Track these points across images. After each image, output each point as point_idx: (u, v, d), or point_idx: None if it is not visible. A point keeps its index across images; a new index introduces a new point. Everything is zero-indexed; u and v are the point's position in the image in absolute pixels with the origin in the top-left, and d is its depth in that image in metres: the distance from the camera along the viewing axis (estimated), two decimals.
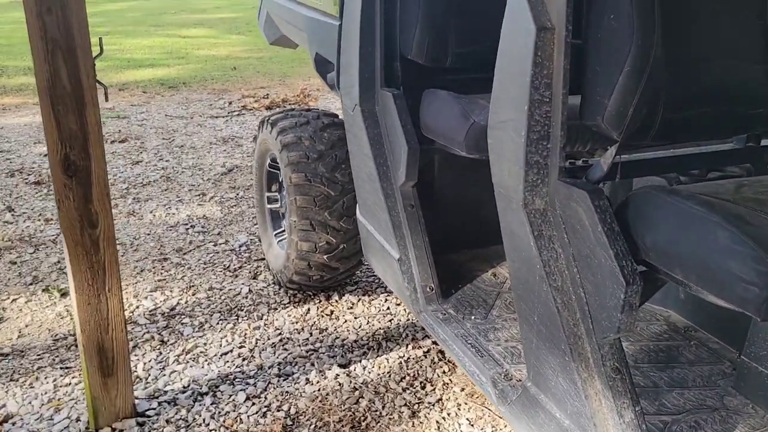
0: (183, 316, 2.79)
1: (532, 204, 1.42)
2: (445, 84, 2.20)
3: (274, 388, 2.32)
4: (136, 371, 2.38)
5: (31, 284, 3.03)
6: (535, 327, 1.47)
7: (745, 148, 1.68)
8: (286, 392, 2.29)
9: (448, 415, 2.18)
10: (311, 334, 2.68)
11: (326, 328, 2.71)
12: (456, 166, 2.16)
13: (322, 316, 2.80)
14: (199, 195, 4.10)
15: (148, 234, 3.57)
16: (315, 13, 2.52)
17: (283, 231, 2.99)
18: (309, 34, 2.63)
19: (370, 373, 2.41)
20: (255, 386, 2.33)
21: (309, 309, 2.85)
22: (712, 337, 1.88)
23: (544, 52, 1.34)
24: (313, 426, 2.11)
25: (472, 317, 2.03)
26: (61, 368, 2.41)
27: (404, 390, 2.30)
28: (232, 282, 3.08)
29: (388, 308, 2.86)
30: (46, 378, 2.35)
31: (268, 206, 3.13)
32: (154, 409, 2.20)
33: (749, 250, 1.09)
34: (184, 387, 2.32)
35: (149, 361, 2.46)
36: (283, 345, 2.60)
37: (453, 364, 2.43)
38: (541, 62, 1.35)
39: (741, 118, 1.48)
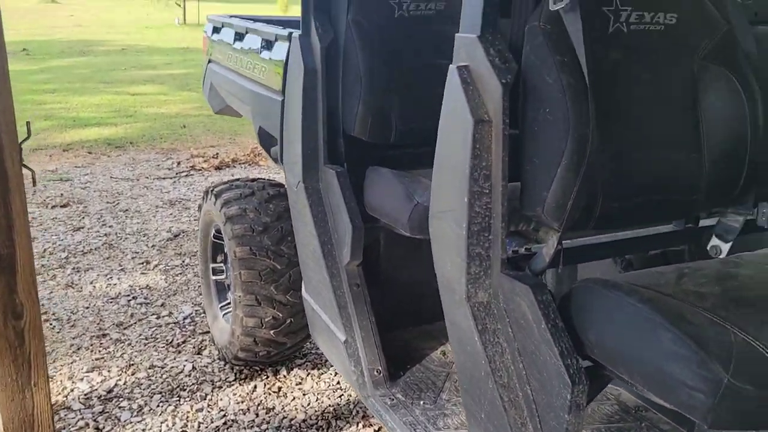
0: (121, 399, 2.64)
1: (475, 297, 1.38)
2: (390, 160, 2.18)
3: None
4: None
5: None
6: (483, 425, 1.42)
7: (684, 230, 1.70)
8: None
9: None
10: (257, 414, 2.56)
11: (273, 408, 2.60)
12: (402, 244, 2.13)
13: (270, 394, 2.69)
14: (142, 263, 3.96)
15: (87, 307, 3.41)
16: (258, 86, 2.50)
17: (229, 303, 2.90)
18: (252, 107, 2.60)
19: None
20: None
21: (256, 386, 2.74)
22: (664, 417, 1.86)
23: (482, 144, 1.33)
24: None
25: (421, 402, 1.97)
26: None
27: None
28: (174, 359, 2.95)
29: (338, 383, 2.77)
30: None
31: (214, 277, 3.03)
32: None
33: (692, 354, 1.07)
34: None
35: None
36: (227, 428, 2.47)
37: None
38: (480, 154, 1.33)
39: (678, 204, 1.49)
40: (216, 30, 3.04)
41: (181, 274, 3.84)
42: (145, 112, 8.38)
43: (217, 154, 6.46)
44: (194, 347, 3.04)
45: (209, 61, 3.14)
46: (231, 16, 3.04)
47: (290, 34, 2.21)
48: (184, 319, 3.31)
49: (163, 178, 5.67)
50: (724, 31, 1.49)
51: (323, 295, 2.16)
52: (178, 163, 6.13)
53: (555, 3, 1.29)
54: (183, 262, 3.99)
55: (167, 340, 3.10)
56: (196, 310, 3.38)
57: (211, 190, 2.83)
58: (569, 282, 2.07)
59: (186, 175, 5.78)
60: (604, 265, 2.01)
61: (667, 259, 1.99)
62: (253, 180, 2.89)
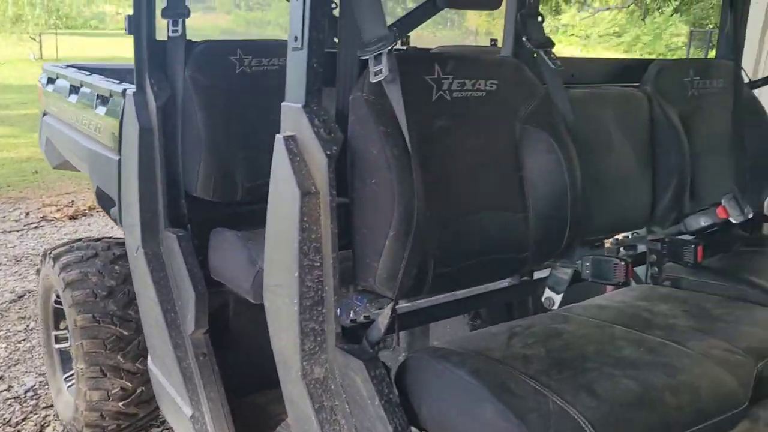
0: None
1: (311, 374, 1.34)
2: (237, 219, 2.11)
3: None
4: None
5: None
6: None
7: (521, 283, 1.75)
8: None
9: None
10: None
11: None
12: (252, 307, 2.05)
13: None
14: None
15: None
16: (94, 144, 2.35)
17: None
18: (89, 165, 2.45)
19: None
20: None
21: None
22: None
23: (310, 217, 1.30)
24: None
25: None
26: None
27: None
28: None
29: None
30: None
31: (57, 346, 2.80)
32: None
33: (513, 427, 1.08)
34: None
35: None
36: None
37: None
38: (309, 227, 1.30)
39: (509, 262, 1.53)
40: (51, 81, 2.85)
41: (24, 340, 3.52)
42: None
43: (72, 201, 6.07)
44: (36, 425, 2.78)
45: (44, 114, 2.93)
46: (68, 66, 2.86)
47: (124, 90, 2.10)
48: (26, 392, 3.02)
49: (9, 231, 5.23)
50: (542, 95, 1.57)
51: (168, 366, 2.03)
52: (27, 214, 5.69)
53: (375, 75, 1.29)
54: (27, 326, 3.66)
55: (4, 419, 2.81)
56: (40, 382, 3.10)
57: (49, 253, 2.62)
58: (422, 342, 2.08)
59: (35, 227, 5.36)
60: (455, 320, 2.04)
61: (511, 310, 2.05)
62: (98, 239, 2.70)
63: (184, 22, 2.03)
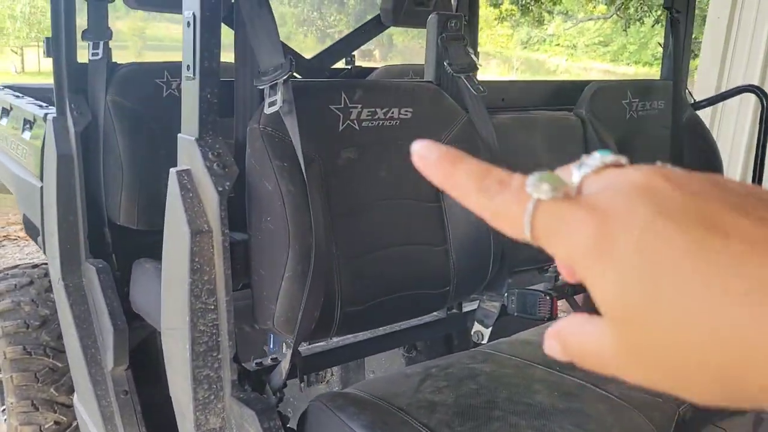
0: None
1: (206, 424, 1.26)
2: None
3: None
4: None
5: None
6: None
7: (448, 317, 1.68)
8: None
9: None
10: None
11: None
12: None
13: None
14: None
15: None
16: (21, 170, 2.27)
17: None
18: (16, 191, 2.36)
19: None
20: None
21: None
22: None
23: (202, 257, 1.22)
24: None
25: None
26: None
27: None
28: None
29: None
30: None
31: None
32: None
33: None
34: None
35: None
36: None
37: None
38: (200, 267, 1.22)
39: (429, 298, 1.46)
40: None
41: None
42: None
43: None
44: None
45: None
46: (5, 86, 2.77)
47: (45, 115, 2.01)
48: None
49: None
50: (463, 121, 1.50)
51: (89, 403, 1.94)
52: None
53: (270, 106, 1.22)
54: None
55: None
56: None
57: None
58: (357, 376, 2.00)
59: None
60: (391, 351, 1.96)
61: (450, 341, 1.97)
62: (35, 266, 2.61)
63: (106, 44, 1.95)
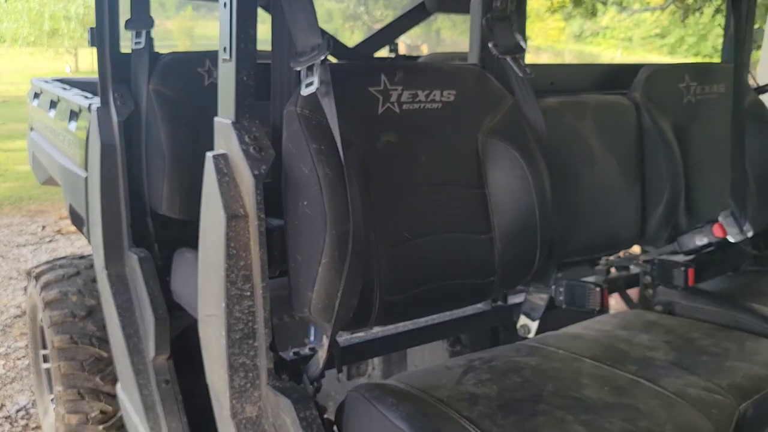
0: None
1: (242, 412, 1.23)
2: None
3: None
4: None
5: None
6: None
7: (492, 309, 1.62)
8: None
9: None
10: None
11: None
12: None
13: None
14: None
15: None
16: (67, 160, 2.29)
17: None
18: (62, 182, 2.39)
19: None
20: None
21: None
22: None
23: (237, 242, 1.19)
24: None
25: None
26: None
27: None
28: None
29: None
30: None
31: (44, 366, 2.75)
32: None
33: None
34: None
35: None
36: None
37: None
38: (236, 253, 1.20)
39: (471, 288, 1.40)
40: (36, 95, 2.81)
41: (24, 356, 3.49)
42: (16, 170, 7.87)
43: None
44: None
45: (31, 129, 2.90)
46: (56, 80, 2.82)
47: (89, 105, 2.03)
48: (18, 411, 2.98)
49: (23, 245, 5.26)
50: (509, 105, 1.44)
51: (131, 392, 1.95)
52: (44, 227, 5.72)
53: (306, 87, 1.18)
54: (28, 343, 3.64)
55: None
56: (34, 401, 3.05)
57: (32, 271, 2.57)
58: (399, 368, 1.95)
59: (50, 241, 5.39)
60: (435, 344, 1.90)
61: (496, 335, 1.90)
62: (82, 257, 2.65)
63: (148, 33, 1.95)
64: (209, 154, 1.25)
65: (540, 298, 1.54)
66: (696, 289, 1.64)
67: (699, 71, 1.86)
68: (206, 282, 1.28)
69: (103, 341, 2.35)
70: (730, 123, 1.86)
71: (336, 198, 1.16)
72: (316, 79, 1.17)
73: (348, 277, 1.17)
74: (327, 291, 1.18)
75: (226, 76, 1.23)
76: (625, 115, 1.69)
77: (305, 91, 1.18)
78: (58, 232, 5.61)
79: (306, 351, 1.39)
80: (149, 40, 1.95)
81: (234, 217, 1.19)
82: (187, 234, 2.03)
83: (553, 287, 1.48)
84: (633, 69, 1.82)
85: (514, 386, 1.20)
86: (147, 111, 1.92)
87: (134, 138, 1.95)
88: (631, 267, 1.86)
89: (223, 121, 1.24)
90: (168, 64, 1.97)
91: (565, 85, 1.72)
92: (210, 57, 2.05)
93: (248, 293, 1.21)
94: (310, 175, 1.18)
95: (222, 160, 1.23)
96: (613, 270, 1.85)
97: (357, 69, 1.29)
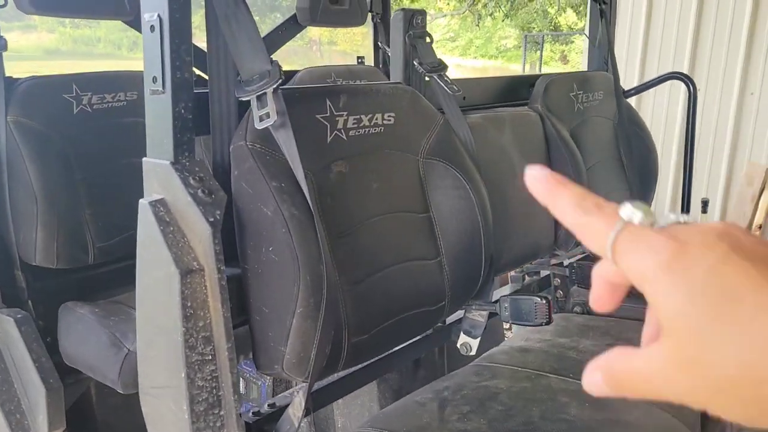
0: None
1: None
2: (90, 287, 1.77)
3: None
4: None
5: None
6: None
7: (434, 332, 1.59)
8: None
9: None
10: None
11: None
12: (119, 394, 1.71)
13: None
14: None
15: None
16: None
17: None
18: None
19: None
20: None
21: None
22: None
23: (194, 300, 1.04)
24: None
25: None
26: None
27: None
28: None
29: None
30: None
31: None
32: None
33: None
34: None
35: None
36: None
37: None
38: (194, 313, 1.04)
39: (427, 315, 1.35)
40: None
41: None
42: None
43: None
44: None
45: None
46: None
47: None
48: None
49: None
50: (441, 123, 1.41)
51: None
52: None
53: (260, 120, 1.06)
54: None
55: None
56: None
57: None
58: (326, 419, 1.85)
59: None
60: None
61: (417, 360, 1.87)
62: None
63: (0, 56, 1.66)
64: (144, 201, 1.07)
65: (480, 315, 1.53)
66: None
67: (582, 80, 1.97)
68: (152, 350, 1.10)
69: None
70: (611, 126, 2.00)
71: (306, 239, 1.06)
72: (271, 110, 1.05)
73: (324, 325, 1.08)
74: (303, 343, 1.07)
75: (158, 110, 1.07)
76: (533, 125, 1.74)
77: (260, 125, 1.06)
78: None
79: (265, 408, 1.26)
80: (1, 64, 1.67)
81: (189, 272, 1.03)
82: (67, 285, 1.78)
83: (497, 303, 1.48)
84: (529, 80, 1.88)
85: (501, 415, 1.18)
86: (8, 147, 1.64)
87: None
88: (542, 271, 1.93)
89: (157, 162, 1.08)
90: (28, 91, 1.70)
91: (476, 100, 1.73)
92: (76, 80, 1.80)
93: (210, 356, 1.06)
94: (275, 217, 1.06)
95: (161, 207, 1.07)
96: (525, 277, 1.91)
97: (302, 95, 1.19)
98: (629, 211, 0.36)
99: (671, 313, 0.33)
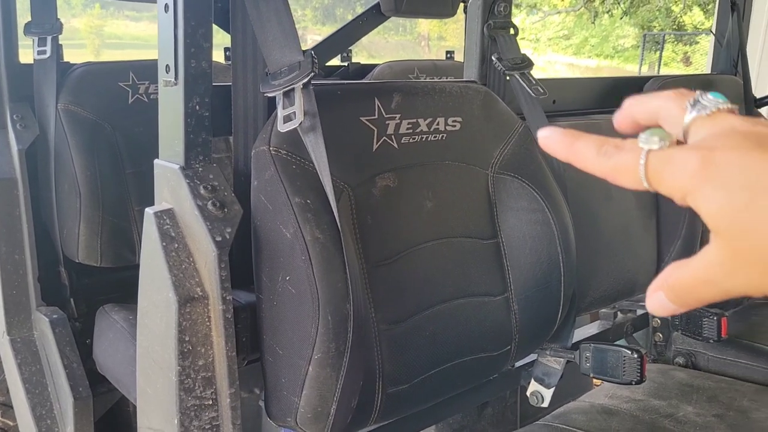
0: None
1: None
2: (135, 287, 1.66)
3: None
4: None
5: None
6: None
7: (500, 376, 1.35)
8: None
9: None
10: None
11: None
12: None
13: None
14: None
15: None
16: None
17: None
18: None
19: None
20: None
21: None
22: None
23: (194, 334, 0.87)
24: None
25: None
26: None
27: None
28: None
29: None
30: None
31: None
32: None
33: None
34: None
35: None
36: None
37: None
38: (192, 350, 0.87)
39: (488, 362, 1.13)
40: None
41: None
42: None
43: None
44: None
45: None
46: None
47: None
48: None
49: None
50: (520, 132, 1.17)
51: None
52: None
53: (285, 122, 0.87)
54: None
55: None
56: None
57: None
58: None
59: None
60: None
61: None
62: None
63: (55, 39, 1.57)
64: (149, 211, 0.92)
65: (557, 362, 1.28)
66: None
67: (704, 83, 1.66)
68: (149, 386, 0.95)
69: (9, 407, 1.95)
70: None
71: (330, 271, 0.86)
72: (298, 109, 0.86)
73: (348, 375, 0.88)
74: (320, 395, 0.88)
75: (169, 104, 0.91)
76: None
77: (283, 127, 0.87)
78: None
79: None
80: (56, 48, 1.58)
81: (188, 300, 0.86)
82: (111, 283, 1.68)
83: (576, 352, 1.23)
84: (637, 82, 1.59)
85: None
86: (56, 136, 1.55)
87: (40, 170, 1.57)
88: (638, 310, 1.64)
89: (167, 166, 0.91)
90: (81, 78, 1.61)
91: (569, 104, 1.47)
92: (134, 68, 1.69)
93: (210, 402, 0.89)
94: (294, 240, 0.87)
95: (167, 219, 0.90)
96: (618, 314, 1.63)
97: (344, 92, 0.99)
98: (646, 138, 0.37)
99: (715, 212, 0.34)
